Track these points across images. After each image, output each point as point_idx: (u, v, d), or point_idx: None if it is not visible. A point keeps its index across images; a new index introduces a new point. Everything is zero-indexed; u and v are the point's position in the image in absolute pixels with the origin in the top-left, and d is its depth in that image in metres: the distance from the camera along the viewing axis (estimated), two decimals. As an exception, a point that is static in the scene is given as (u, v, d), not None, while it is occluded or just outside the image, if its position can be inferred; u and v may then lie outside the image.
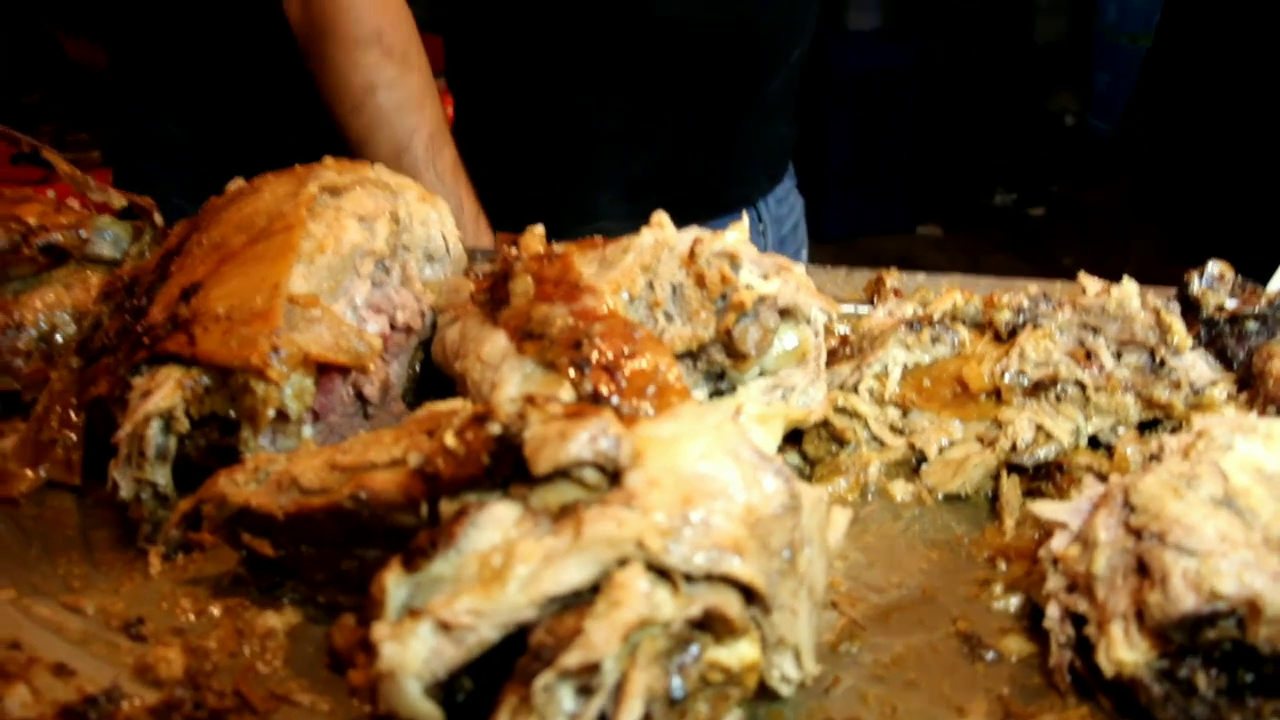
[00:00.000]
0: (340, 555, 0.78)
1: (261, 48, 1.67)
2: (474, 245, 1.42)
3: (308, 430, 0.93)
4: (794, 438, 0.95)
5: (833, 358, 1.01)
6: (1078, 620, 0.71)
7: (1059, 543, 0.74)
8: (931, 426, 0.93)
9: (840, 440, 0.93)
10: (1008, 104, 6.25)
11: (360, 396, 0.97)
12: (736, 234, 0.92)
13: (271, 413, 0.88)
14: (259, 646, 0.76)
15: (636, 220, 0.97)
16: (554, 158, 1.67)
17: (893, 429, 0.95)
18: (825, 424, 0.93)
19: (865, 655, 0.75)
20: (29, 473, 0.96)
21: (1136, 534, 0.69)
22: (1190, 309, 1.05)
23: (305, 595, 0.80)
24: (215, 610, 0.79)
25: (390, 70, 1.46)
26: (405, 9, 1.53)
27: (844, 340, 1.04)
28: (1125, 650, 0.66)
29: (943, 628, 0.77)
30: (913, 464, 0.93)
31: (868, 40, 5.79)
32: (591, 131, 1.67)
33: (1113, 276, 1.03)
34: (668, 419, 0.72)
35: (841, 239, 5.56)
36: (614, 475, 0.68)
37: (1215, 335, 1.03)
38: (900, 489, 0.91)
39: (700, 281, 0.89)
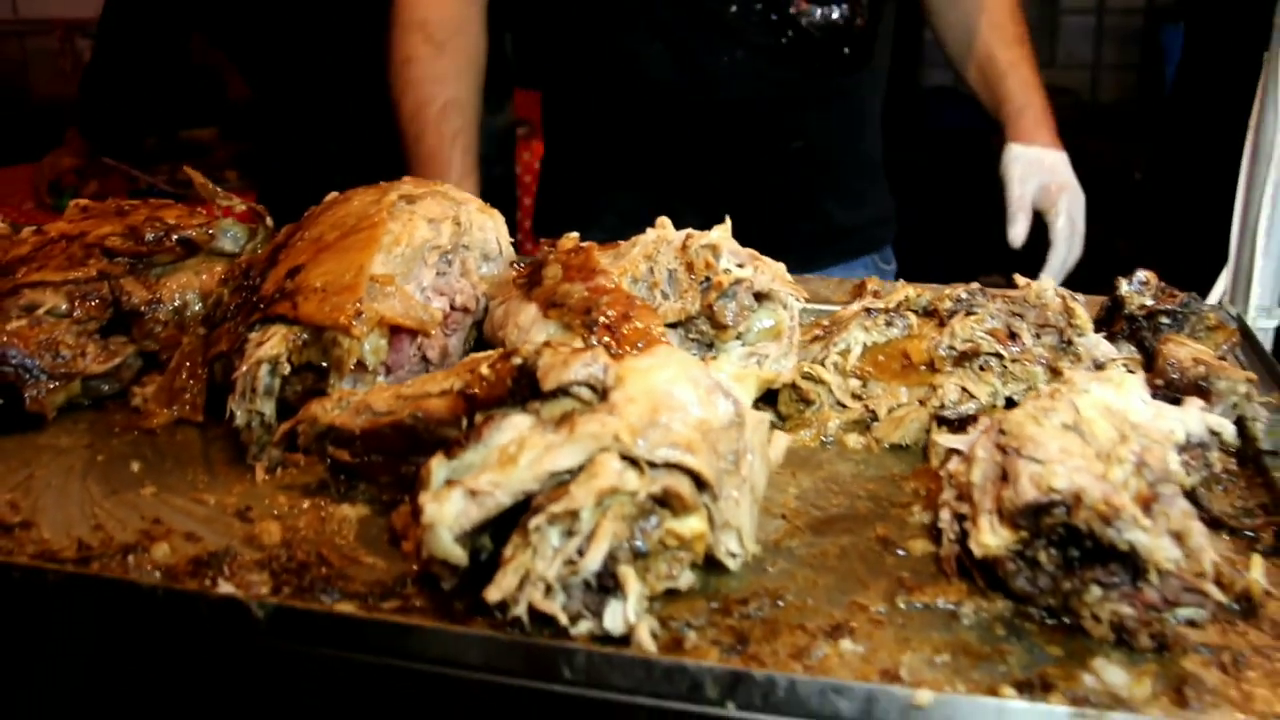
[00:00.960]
0: (401, 462, 1.01)
1: None
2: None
3: (381, 380, 1.17)
4: (770, 399, 1.17)
5: (829, 337, 1.23)
6: (962, 520, 0.91)
7: (952, 464, 0.94)
8: (883, 393, 1.14)
9: (807, 401, 1.14)
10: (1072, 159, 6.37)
11: (424, 358, 1.21)
12: (719, 231, 1.14)
13: (353, 363, 1.13)
14: (337, 527, 0.99)
15: None
16: (581, 191, 1.92)
17: (853, 395, 1.15)
18: (795, 387, 1.14)
19: (801, 549, 0.95)
20: (164, 411, 1.21)
21: (1003, 451, 0.89)
22: (1119, 307, 1.25)
23: (374, 495, 1.03)
24: (305, 504, 1.03)
25: (425, 50, 1.78)
26: (462, 10, 1.82)
27: (824, 328, 1.26)
28: (991, 537, 0.86)
29: (866, 533, 0.97)
30: (867, 422, 1.14)
31: (940, 98, 5.97)
32: (607, 176, 1.93)
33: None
34: (646, 356, 0.95)
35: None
36: (602, 393, 0.90)
37: (1135, 329, 1.22)
38: (854, 440, 1.12)
39: (689, 267, 1.12)
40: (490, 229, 1.36)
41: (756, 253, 1.15)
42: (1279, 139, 1.24)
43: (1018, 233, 1.70)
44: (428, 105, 1.78)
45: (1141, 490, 0.83)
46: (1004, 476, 0.88)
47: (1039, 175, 1.72)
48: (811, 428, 1.12)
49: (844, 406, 1.13)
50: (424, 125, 1.78)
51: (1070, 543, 0.84)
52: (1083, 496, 0.82)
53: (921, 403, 1.11)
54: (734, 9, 1.79)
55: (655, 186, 1.90)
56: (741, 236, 1.21)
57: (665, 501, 0.87)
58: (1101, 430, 0.89)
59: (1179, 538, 0.83)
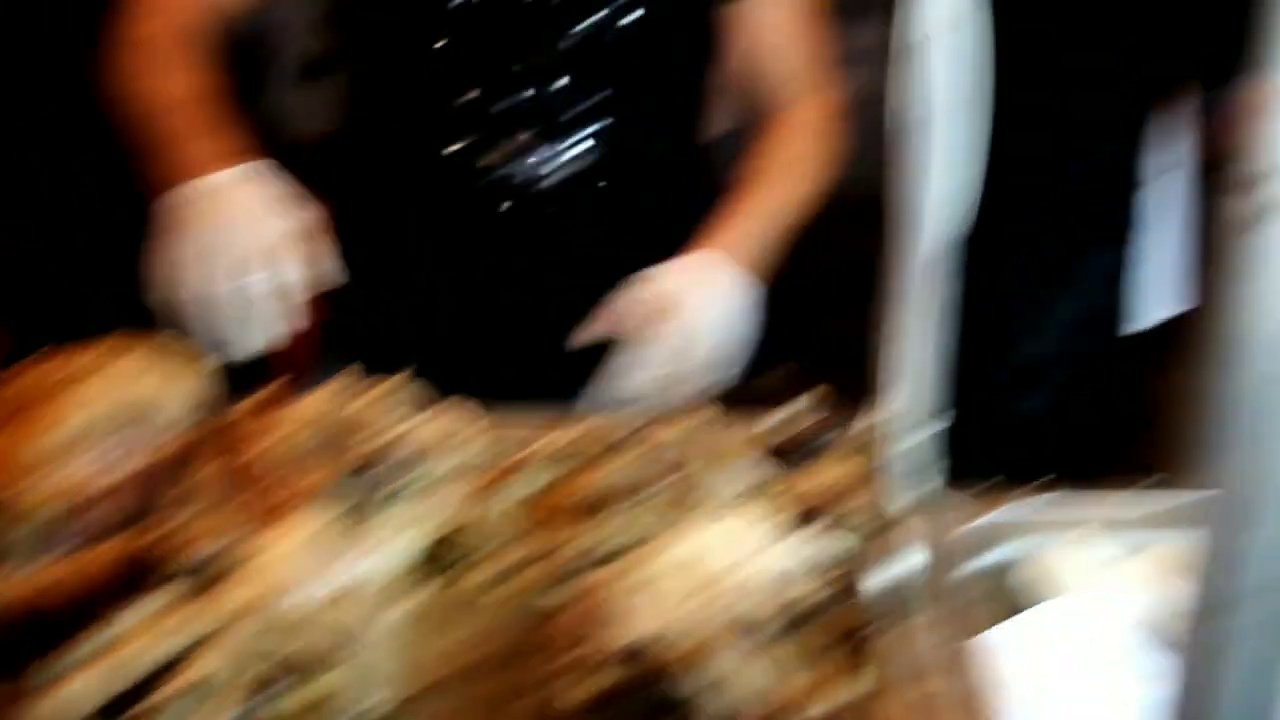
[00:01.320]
0: (54, 644, 1.02)
1: None
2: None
3: (51, 555, 1.18)
4: (433, 549, 1.22)
5: (488, 488, 1.29)
6: (568, 669, 0.98)
7: (568, 611, 1.02)
8: (537, 540, 1.21)
9: (464, 552, 1.20)
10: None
11: (96, 530, 1.23)
12: (392, 383, 1.22)
13: (20, 539, 1.14)
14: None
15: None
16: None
17: (510, 543, 1.22)
18: (453, 538, 1.20)
19: (437, 702, 1.01)
20: None
21: (600, 597, 0.97)
22: (775, 434, 1.36)
23: (27, 679, 1.04)
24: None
25: (156, 50, 1.54)
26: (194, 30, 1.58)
27: (500, 472, 1.32)
28: (581, 687, 0.93)
29: (503, 681, 1.04)
30: (519, 571, 1.20)
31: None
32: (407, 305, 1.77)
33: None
34: (278, 531, 1.00)
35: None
36: (233, 565, 0.95)
37: (788, 455, 1.33)
38: (504, 589, 1.18)
39: (350, 426, 1.18)
40: (179, 393, 1.38)
41: (439, 399, 1.22)
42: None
43: (575, 338, 1.55)
44: (168, 86, 1.51)
45: (728, 628, 0.92)
46: (596, 624, 0.96)
47: (650, 290, 1.49)
48: (470, 577, 1.18)
49: (497, 556, 1.19)
50: (167, 103, 1.50)
51: (654, 685, 0.92)
52: (662, 641, 0.91)
53: (563, 550, 1.18)
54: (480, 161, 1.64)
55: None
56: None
57: (298, 665, 0.92)
58: (700, 571, 0.98)
59: (761, 673, 0.92)
